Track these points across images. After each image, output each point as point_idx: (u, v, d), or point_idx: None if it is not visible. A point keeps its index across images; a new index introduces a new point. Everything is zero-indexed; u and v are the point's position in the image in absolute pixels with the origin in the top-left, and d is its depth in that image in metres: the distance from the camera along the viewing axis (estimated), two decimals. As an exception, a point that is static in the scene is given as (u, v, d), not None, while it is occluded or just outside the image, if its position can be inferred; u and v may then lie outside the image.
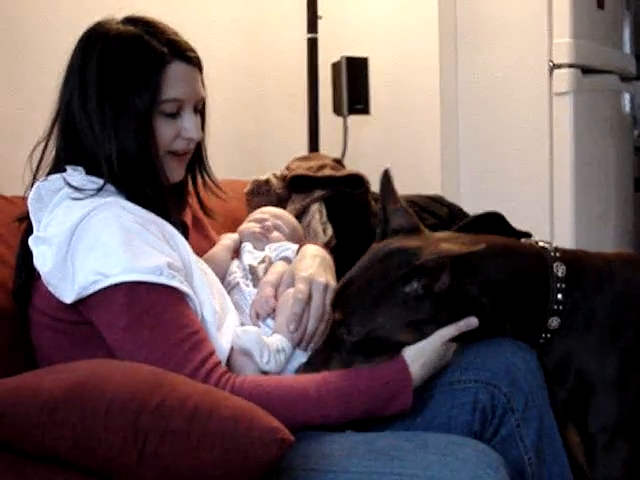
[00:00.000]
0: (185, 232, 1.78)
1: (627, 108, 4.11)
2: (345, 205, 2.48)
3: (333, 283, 1.68)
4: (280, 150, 3.11)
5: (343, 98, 3.08)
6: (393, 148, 3.45)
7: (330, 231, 2.40)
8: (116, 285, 1.47)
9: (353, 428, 1.53)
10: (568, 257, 1.69)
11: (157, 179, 1.64)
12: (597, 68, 3.58)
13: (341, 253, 2.13)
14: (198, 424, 1.24)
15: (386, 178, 1.72)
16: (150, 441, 1.22)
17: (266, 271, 1.77)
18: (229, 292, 1.74)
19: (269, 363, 1.56)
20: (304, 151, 3.05)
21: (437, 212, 2.64)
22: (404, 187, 2.83)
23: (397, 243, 1.60)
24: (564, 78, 3.34)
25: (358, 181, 2.51)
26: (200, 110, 1.74)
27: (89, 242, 1.49)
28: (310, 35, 3.11)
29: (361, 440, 1.46)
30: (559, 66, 3.34)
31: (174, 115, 1.64)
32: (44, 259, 1.53)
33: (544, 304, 1.64)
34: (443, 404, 1.60)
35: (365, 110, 3.13)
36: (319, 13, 3.11)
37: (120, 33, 1.62)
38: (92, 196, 1.56)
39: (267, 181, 2.48)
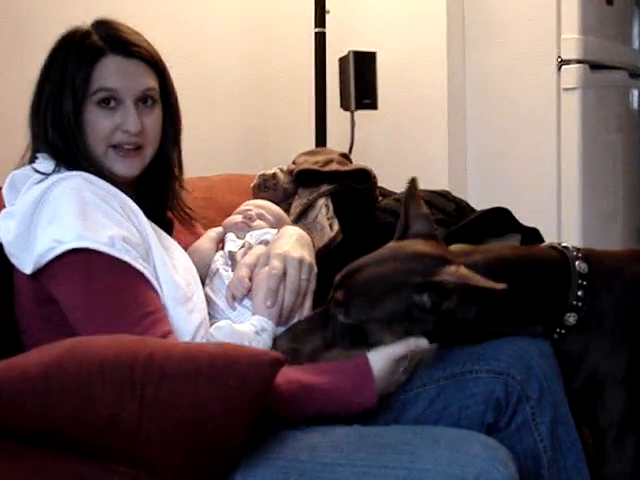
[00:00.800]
0: (169, 227, 1.80)
1: (635, 104, 4.10)
2: (352, 200, 2.48)
3: (309, 259, 1.71)
4: (287, 144, 3.11)
5: (351, 93, 3.07)
6: (400, 143, 3.45)
7: (337, 226, 2.40)
8: (71, 252, 1.49)
9: (360, 422, 1.52)
10: (585, 255, 1.68)
11: (101, 172, 1.66)
12: (605, 64, 3.57)
13: (347, 248, 2.13)
14: (190, 364, 1.26)
15: (412, 185, 1.68)
16: (148, 390, 1.24)
17: (245, 255, 1.78)
18: (211, 279, 1.76)
19: None
20: (311, 145, 3.05)
21: (444, 207, 2.63)
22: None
23: (421, 247, 1.59)
24: (572, 74, 3.33)
25: (365, 176, 2.51)
26: (171, 106, 1.77)
27: (49, 213, 1.53)
28: (318, 29, 3.10)
29: (370, 434, 1.46)
30: (567, 62, 3.34)
31: (111, 108, 1.66)
32: (8, 230, 1.58)
33: (562, 302, 1.64)
34: (454, 394, 1.60)
35: (373, 105, 3.12)
36: (327, 7, 3.10)
37: (71, 32, 1.68)
38: (54, 172, 1.61)
39: (274, 175, 2.48)
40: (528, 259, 1.67)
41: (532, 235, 2.49)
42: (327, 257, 2.23)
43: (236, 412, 1.26)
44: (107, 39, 1.65)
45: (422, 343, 1.54)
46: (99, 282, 1.49)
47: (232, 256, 1.79)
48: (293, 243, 1.72)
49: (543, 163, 3.39)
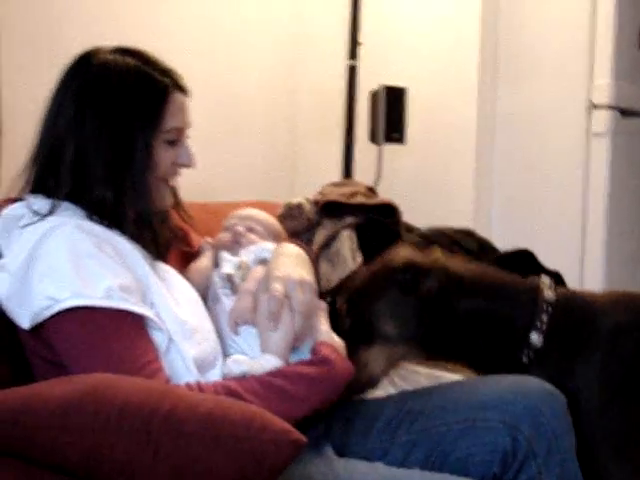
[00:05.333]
0: (166, 249, 1.78)
1: (665, 152, 4.08)
2: (376, 234, 2.48)
3: (308, 278, 1.66)
4: (314, 175, 3.12)
5: (380, 126, 3.08)
6: (427, 179, 3.45)
7: (359, 258, 2.40)
8: (68, 310, 1.46)
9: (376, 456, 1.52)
10: (561, 290, 1.89)
11: (149, 206, 1.65)
12: (637, 110, 3.56)
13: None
14: (211, 428, 1.24)
15: None
16: (163, 445, 1.22)
17: (244, 277, 1.73)
18: (214, 305, 1.72)
19: None
20: (338, 177, 3.06)
21: (467, 245, 2.63)
22: (435, 218, 2.84)
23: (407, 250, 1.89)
24: (603, 119, 3.32)
25: (390, 210, 2.51)
26: None
27: (42, 268, 1.49)
28: (350, 62, 3.12)
29: (389, 475, 1.46)
30: (598, 107, 3.33)
31: (173, 143, 1.67)
32: (2, 284, 1.54)
33: (527, 324, 1.80)
34: (463, 440, 1.59)
35: (400, 139, 3.12)
36: (360, 40, 3.12)
37: (121, 65, 1.64)
38: (47, 215, 1.56)
39: (299, 205, 2.49)
40: (503, 279, 1.89)
41: (554, 279, 2.48)
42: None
43: None
44: (167, 75, 1.66)
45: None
46: (97, 336, 1.46)
47: (230, 279, 1.74)
48: (291, 263, 1.68)
49: (569, 207, 3.38)
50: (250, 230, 1.89)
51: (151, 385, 1.34)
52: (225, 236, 1.88)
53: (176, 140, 1.67)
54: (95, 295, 1.46)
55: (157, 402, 1.26)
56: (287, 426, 1.27)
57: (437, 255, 1.87)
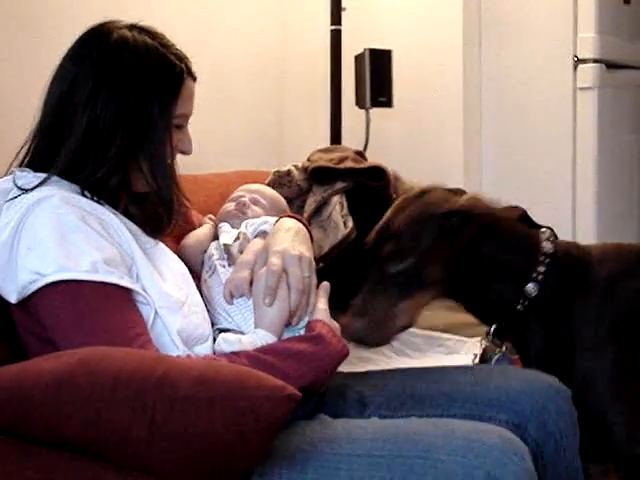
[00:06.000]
0: (160, 225, 1.74)
1: (652, 104, 4.08)
2: (366, 197, 2.48)
3: (308, 254, 1.65)
4: (302, 141, 3.12)
5: (366, 90, 3.07)
6: (415, 141, 3.45)
7: (351, 223, 2.40)
8: (53, 284, 1.45)
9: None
10: (559, 241, 1.92)
11: (171, 186, 1.67)
12: (622, 63, 3.56)
13: (361, 246, 2.13)
14: (205, 389, 1.24)
15: None
16: (159, 410, 1.21)
17: (242, 248, 1.72)
18: (210, 276, 1.71)
19: None
20: (326, 143, 3.05)
21: (458, 206, 2.63)
22: (426, 179, 2.83)
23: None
24: (588, 73, 3.33)
25: (379, 173, 2.51)
26: None
27: (28, 241, 1.48)
28: (334, 27, 3.11)
29: (387, 425, 1.47)
30: (583, 61, 3.33)
31: (177, 128, 1.66)
32: None
33: (524, 274, 1.85)
34: None
35: (388, 103, 3.12)
36: (343, 5, 3.11)
37: (140, 44, 1.61)
38: (34, 188, 1.54)
39: (288, 172, 2.49)
40: (509, 226, 1.95)
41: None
42: (340, 254, 2.23)
43: (249, 442, 1.25)
44: (182, 60, 1.65)
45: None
46: (84, 310, 1.45)
47: (227, 250, 1.73)
48: (291, 238, 1.66)
49: (558, 163, 3.39)
50: (255, 203, 1.89)
51: (143, 354, 1.34)
52: (229, 206, 1.88)
53: (181, 126, 1.67)
54: (80, 269, 1.45)
55: (149, 369, 1.26)
56: (280, 382, 1.27)
57: (471, 198, 1.91)
